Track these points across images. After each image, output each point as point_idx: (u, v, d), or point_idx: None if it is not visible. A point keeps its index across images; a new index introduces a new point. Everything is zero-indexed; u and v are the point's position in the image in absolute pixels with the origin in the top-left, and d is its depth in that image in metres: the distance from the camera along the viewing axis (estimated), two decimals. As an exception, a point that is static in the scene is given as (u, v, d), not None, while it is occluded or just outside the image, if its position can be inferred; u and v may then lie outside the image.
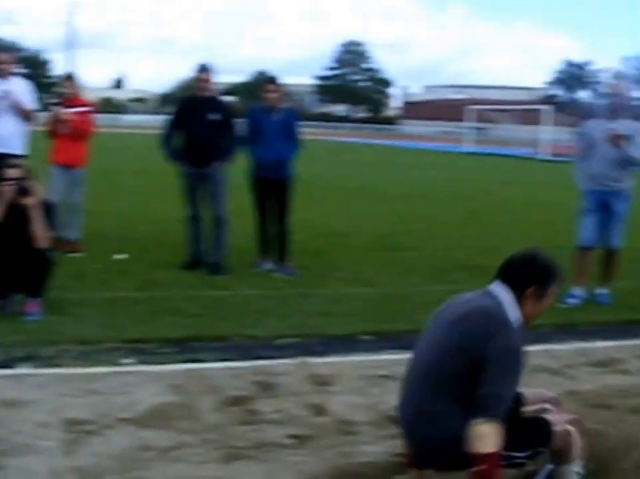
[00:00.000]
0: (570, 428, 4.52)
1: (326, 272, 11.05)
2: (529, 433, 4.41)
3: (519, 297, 4.39)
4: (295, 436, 5.73)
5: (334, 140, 68.92)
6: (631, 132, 9.82)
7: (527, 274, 4.41)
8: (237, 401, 6.32)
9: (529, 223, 17.68)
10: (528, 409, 4.67)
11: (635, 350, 8.27)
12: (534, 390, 5.01)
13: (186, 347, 7.40)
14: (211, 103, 10.45)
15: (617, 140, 9.69)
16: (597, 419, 6.07)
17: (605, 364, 7.89)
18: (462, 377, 4.20)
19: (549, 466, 4.56)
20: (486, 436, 4.03)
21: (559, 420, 4.54)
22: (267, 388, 6.65)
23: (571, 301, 9.97)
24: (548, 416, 4.53)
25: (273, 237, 10.83)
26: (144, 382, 6.47)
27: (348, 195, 21.54)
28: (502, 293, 4.38)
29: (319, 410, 6.29)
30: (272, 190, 10.64)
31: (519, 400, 4.64)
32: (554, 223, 17.50)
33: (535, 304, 4.45)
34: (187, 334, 7.67)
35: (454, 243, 14.26)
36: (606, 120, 10.01)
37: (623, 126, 9.87)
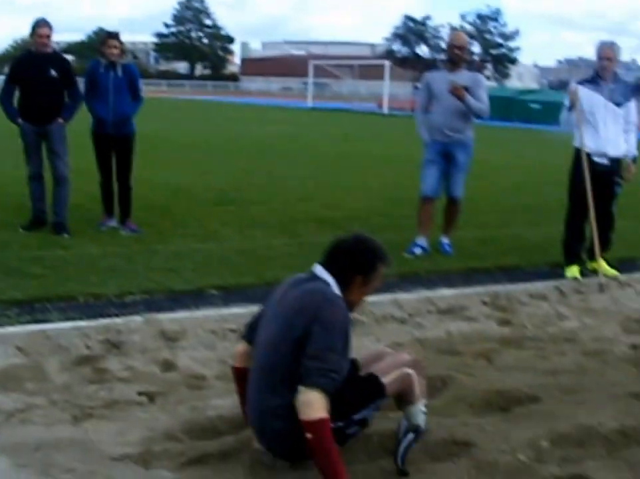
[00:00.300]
0: (408, 371, 4.62)
1: (171, 228, 10.94)
2: (361, 392, 4.47)
3: (345, 284, 4.45)
4: (145, 393, 5.69)
5: (176, 97, 68.14)
6: (471, 84, 10.01)
7: (352, 265, 4.45)
8: (86, 360, 6.23)
9: (371, 176, 17.91)
10: (365, 371, 4.71)
11: (479, 297, 8.50)
12: (367, 351, 5.09)
13: (31, 308, 7.19)
14: (51, 59, 10.11)
15: (458, 91, 9.86)
16: (445, 365, 6.25)
17: (450, 311, 8.09)
18: (293, 365, 4.22)
19: (410, 436, 4.65)
20: (312, 404, 4.07)
21: (396, 363, 4.63)
22: (115, 346, 6.57)
23: (416, 250, 10.15)
24: (375, 369, 4.60)
25: (116, 195, 10.65)
26: (-12, 345, 6.28)
27: (191, 151, 21.34)
28: (329, 278, 4.43)
29: (168, 366, 6.26)
30: (114, 147, 10.43)
31: (354, 366, 4.71)
32: (396, 175, 17.78)
33: (360, 291, 4.52)
34: (31, 295, 7.45)
35: (297, 197, 14.33)
36: (447, 72, 10.17)
37: (463, 77, 10.05)
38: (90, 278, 8.14)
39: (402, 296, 8.31)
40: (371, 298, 7.98)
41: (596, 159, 9.45)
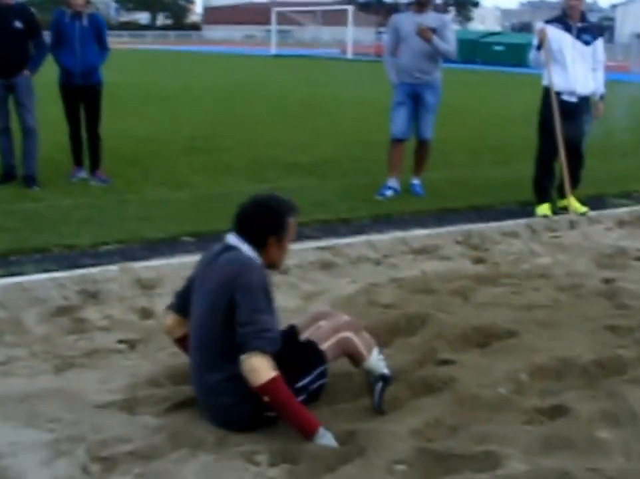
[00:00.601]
0: (345, 334, 4.65)
1: (141, 177, 10.90)
2: (302, 359, 4.49)
3: (261, 247, 4.46)
4: (125, 341, 5.71)
5: (138, 48, 67.42)
6: (438, 25, 9.98)
7: (263, 229, 4.45)
8: (63, 311, 6.23)
9: (338, 120, 17.90)
10: (304, 336, 4.74)
11: (452, 236, 8.56)
12: (306, 314, 5.11)
13: (5, 262, 7.16)
14: (15, 11, 9.92)
15: (425, 33, 9.83)
16: (422, 303, 6.31)
17: (424, 251, 8.14)
18: (227, 338, 4.25)
19: (379, 385, 4.70)
20: (256, 368, 4.10)
21: (333, 328, 4.66)
22: (92, 296, 6.56)
23: (387, 192, 10.19)
24: (314, 336, 4.62)
25: (85, 145, 10.57)
26: (-36, 299, 6.25)
27: (156, 102, 21.16)
28: (242, 245, 4.44)
29: (147, 314, 6.29)
30: (81, 97, 10.33)
31: (293, 332, 4.75)
32: (363, 119, 17.76)
33: (278, 248, 4.52)
34: (5, 249, 7.42)
35: (265, 143, 14.28)
36: (414, 14, 10.12)
37: (430, 19, 10.02)
38: (64, 229, 8.12)
39: (376, 237, 8.35)
40: (345, 240, 8.14)
41: (565, 97, 9.48)
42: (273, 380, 4.09)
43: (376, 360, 4.75)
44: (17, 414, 4.50)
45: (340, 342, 4.61)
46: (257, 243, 4.43)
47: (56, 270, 6.95)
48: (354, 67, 42.52)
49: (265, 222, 4.44)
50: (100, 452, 4.09)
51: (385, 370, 4.74)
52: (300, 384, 4.39)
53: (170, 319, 4.84)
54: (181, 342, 4.81)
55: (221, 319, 4.26)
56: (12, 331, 5.79)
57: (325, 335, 4.60)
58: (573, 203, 9.66)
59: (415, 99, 10.21)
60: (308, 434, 4.15)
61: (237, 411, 4.32)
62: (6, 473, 3.90)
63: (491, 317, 5.98)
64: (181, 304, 4.71)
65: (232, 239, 4.48)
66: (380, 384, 4.69)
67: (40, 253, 7.43)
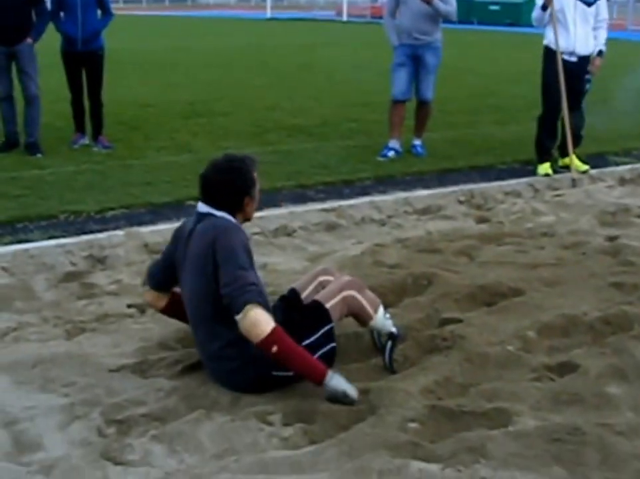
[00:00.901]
0: (349, 292, 4.67)
1: (143, 143, 10.91)
2: (307, 318, 4.53)
3: (238, 209, 4.50)
4: (134, 305, 5.75)
5: (133, 14, 66.99)
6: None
7: (237, 191, 4.47)
8: (72, 277, 6.27)
9: (337, 83, 17.81)
10: (305, 296, 4.81)
11: (454, 196, 8.60)
12: (305, 276, 5.14)
13: (12, 229, 7.19)
14: None
15: (426, -6, 9.81)
16: (428, 263, 6.34)
17: (427, 211, 8.19)
18: (219, 304, 4.27)
19: (389, 344, 4.75)
20: (253, 323, 4.09)
21: (337, 288, 4.68)
22: (99, 261, 6.62)
23: (389, 153, 10.20)
24: (318, 297, 4.66)
25: (88, 112, 10.55)
26: (-27, 267, 6.29)
27: (154, 67, 21.03)
28: (216, 211, 4.47)
29: (155, 278, 6.29)
30: (83, 64, 10.28)
31: (295, 295, 4.81)
32: (362, 81, 17.69)
33: (252, 205, 4.56)
34: (11, 216, 7.44)
35: (264, 106, 14.25)
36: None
37: (430, -21, 9.97)
38: (69, 196, 8.14)
39: (379, 198, 8.39)
40: (349, 201, 8.16)
41: (565, 57, 9.48)
42: (274, 330, 4.09)
43: (383, 319, 4.79)
44: (31, 378, 4.54)
45: (345, 300, 4.63)
46: (234, 207, 4.47)
47: (63, 236, 6.99)
48: (350, 29, 42.23)
49: (238, 186, 4.46)
50: (115, 415, 4.14)
51: (393, 329, 4.78)
52: (306, 342, 4.38)
53: (148, 295, 4.87)
54: (167, 311, 4.88)
55: (213, 287, 4.28)
56: (22, 297, 5.83)
57: (329, 295, 4.63)
58: (575, 161, 9.67)
59: (415, 60, 10.21)
60: (318, 378, 4.18)
61: (243, 375, 4.35)
62: (22, 437, 3.95)
63: (496, 275, 6.01)
64: (158, 280, 4.75)
65: (203, 207, 4.49)
66: (389, 343, 4.74)
67: (46, 220, 7.45)
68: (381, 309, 4.81)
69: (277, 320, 4.17)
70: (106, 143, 10.45)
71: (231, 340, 4.30)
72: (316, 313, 4.54)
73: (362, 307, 4.71)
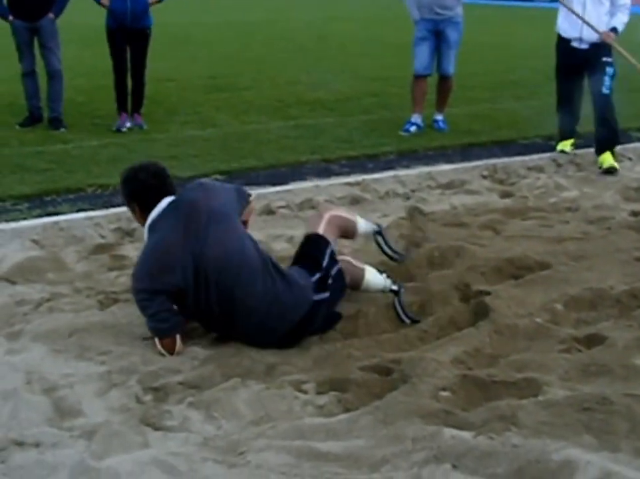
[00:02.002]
0: (329, 213, 5.22)
1: (166, 117, 10.97)
2: (312, 247, 4.97)
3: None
4: (165, 277, 5.78)
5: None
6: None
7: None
8: (101, 249, 6.33)
9: (356, 57, 17.78)
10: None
11: (477, 171, 8.63)
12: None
13: (41, 202, 7.28)
14: None
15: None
16: (454, 237, 6.39)
17: (451, 185, 8.21)
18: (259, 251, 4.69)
19: (396, 300, 5.05)
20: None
21: (317, 218, 5.21)
22: (128, 233, 6.67)
23: (411, 128, 10.24)
24: (307, 230, 5.20)
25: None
26: (4, 239, 6.36)
27: (172, 41, 20.90)
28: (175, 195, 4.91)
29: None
30: (129, 41, 10.08)
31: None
32: (380, 56, 17.68)
33: None
34: (40, 189, 7.53)
35: (285, 81, 14.30)
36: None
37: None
38: (95, 169, 8.23)
39: (403, 172, 8.45)
40: (373, 175, 8.21)
41: (575, 44, 9.13)
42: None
43: (375, 277, 5.10)
44: (67, 347, 4.63)
45: (330, 221, 5.12)
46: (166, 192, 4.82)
47: (91, 209, 7.08)
48: (367, 2, 42.06)
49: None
50: (152, 383, 4.22)
51: (392, 285, 5.10)
52: (324, 262, 4.81)
53: (177, 341, 4.63)
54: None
55: (248, 242, 4.65)
56: (53, 269, 5.89)
57: (314, 223, 5.14)
58: (607, 159, 9.04)
59: (437, 35, 10.22)
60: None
61: (310, 309, 4.66)
62: (62, 403, 4.03)
63: (522, 249, 6.05)
64: (179, 321, 4.64)
65: (168, 198, 4.77)
66: (396, 299, 5.03)
67: (74, 193, 7.55)
68: (373, 270, 5.16)
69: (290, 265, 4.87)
70: (141, 121, 10.34)
71: (277, 289, 4.60)
72: (313, 241, 4.98)
73: (345, 218, 5.28)
